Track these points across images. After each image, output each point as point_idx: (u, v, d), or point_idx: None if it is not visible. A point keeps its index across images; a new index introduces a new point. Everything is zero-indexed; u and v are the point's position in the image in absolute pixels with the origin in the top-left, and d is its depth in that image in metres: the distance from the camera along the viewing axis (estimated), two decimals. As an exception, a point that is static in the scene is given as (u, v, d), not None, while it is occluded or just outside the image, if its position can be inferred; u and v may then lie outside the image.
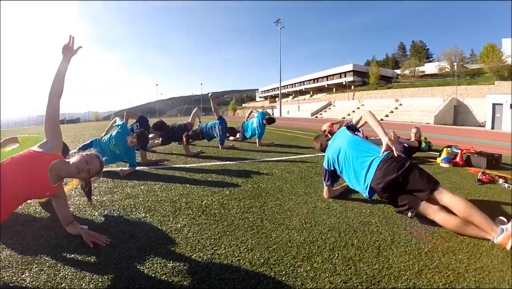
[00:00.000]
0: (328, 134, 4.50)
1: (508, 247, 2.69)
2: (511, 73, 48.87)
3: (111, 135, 5.54)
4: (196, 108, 9.66)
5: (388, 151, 3.51)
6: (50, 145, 2.60)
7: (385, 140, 3.56)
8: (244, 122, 11.03)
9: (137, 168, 5.56)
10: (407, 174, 3.27)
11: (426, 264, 2.40)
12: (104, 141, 5.49)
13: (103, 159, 3.04)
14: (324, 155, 4.16)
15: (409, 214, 3.28)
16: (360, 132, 4.46)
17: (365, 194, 3.60)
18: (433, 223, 3.16)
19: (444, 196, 3.12)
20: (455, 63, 57.43)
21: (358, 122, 4.15)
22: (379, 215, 3.47)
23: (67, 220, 2.75)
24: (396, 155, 3.43)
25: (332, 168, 3.99)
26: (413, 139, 7.72)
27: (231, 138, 10.77)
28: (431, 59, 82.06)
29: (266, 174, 5.39)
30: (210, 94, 9.58)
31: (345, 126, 4.19)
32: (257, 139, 9.88)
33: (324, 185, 4.12)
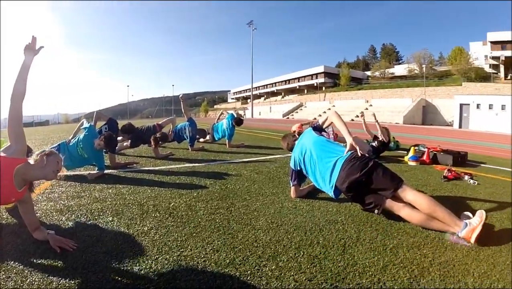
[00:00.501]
0: (296, 134, 4.55)
1: (472, 241, 2.78)
2: (477, 75, 50.45)
3: (78, 138, 5.40)
4: (173, 117, 9.66)
5: (352, 151, 3.55)
6: (14, 148, 2.53)
7: (349, 140, 3.62)
8: (214, 123, 10.98)
9: (106, 171, 5.46)
10: (370, 174, 3.33)
11: (391, 259, 2.45)
12: (71, 145, 5.33)
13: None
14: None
15: (376, 211, 3.36)
16: (326, 132, 4.52)
17: (331, 194, 3.65)
18: (399, 218, 3.24)
19: (408, 194, 3.22)
20: (424, 65, 59.10)
21: (324, 122, 4.22)
22: (346, 213, 3.53)
23: (33, 225, 2.69)
24: (359, 154, 3.49)
25: (298, 168, 4.04)
26: (380, 139, 7.86)
27: (201, 140, 10.78)
28: (400, 61, 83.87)
29: (235, 175, 5.40)
30: (180, 96, 9.55)
31: (311, 127, 4.24)
32: (227, 141, 9.85)
33: (291, 185, 4.16)
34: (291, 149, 4.31)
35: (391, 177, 3.34)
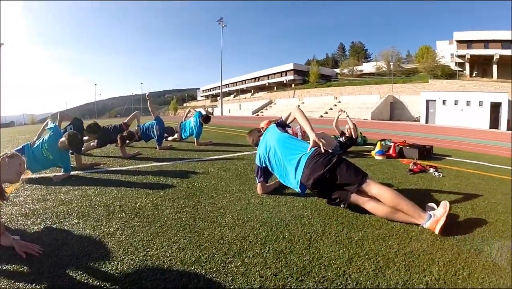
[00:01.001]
0: (262, 130, 4.56)
1: (437, 231, 2.88)
2: (444, 72, 52.06)
3: (43, 139, 5.23)
4: (136, 112, 9.50)
5: (316, 148, 3.59)
6: None
7: (312, 137, 3.63)
8: (182, 121, 10.94)
9: (72, 172, 5.33)
10: (334, 170, 3.38)
11: (356, 252, 2.50)
12: (36, 146, 5.15)
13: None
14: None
15: (342, 205, 3.43)
16: (291, 128, 4.55)
17: (297, 190, 3.69)
18: (365, 212, 3.32)
19: (372, 188, 3.29)
20: (391, 63, 60.38)
21: (287, 118, 4.28)
22: (312, 208, 3.58)
23: None
24: (323, 151, 3.53)
25: (264, 165, 4.07)
26: (347, 134, 7.98)
27: (170, 138, 10.76)
28: (369, 59, 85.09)
29: (202, 173, 5.39)
30: (147, 94, 9.52)
31: (275, 123, 4.27)
32: (195, 139, 9.84)
33: (257, 181, 4.18)
34: (256, 145, 4.35)
35: (355, 172, 3.39)
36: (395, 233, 2.88)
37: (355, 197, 3.39)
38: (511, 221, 3.35)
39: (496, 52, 48.51)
